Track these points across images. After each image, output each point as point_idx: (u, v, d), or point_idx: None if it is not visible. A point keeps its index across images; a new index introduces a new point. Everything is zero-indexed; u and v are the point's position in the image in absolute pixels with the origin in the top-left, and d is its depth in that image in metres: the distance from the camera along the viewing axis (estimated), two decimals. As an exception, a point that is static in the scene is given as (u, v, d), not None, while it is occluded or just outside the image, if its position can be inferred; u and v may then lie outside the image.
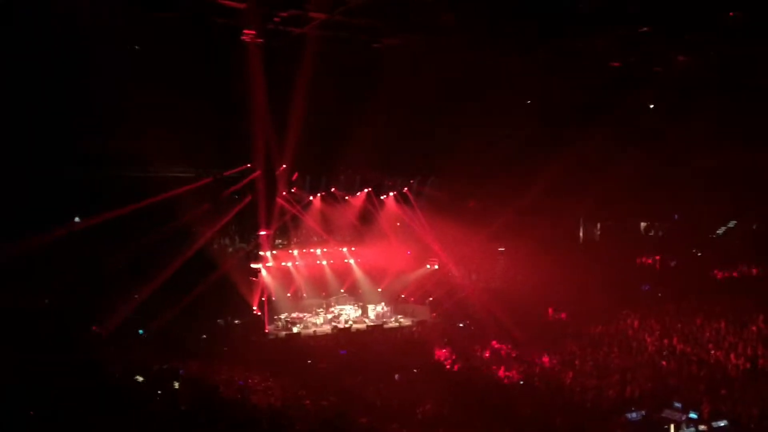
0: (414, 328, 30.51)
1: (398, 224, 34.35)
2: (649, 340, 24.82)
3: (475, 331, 28.96)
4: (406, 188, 34.10)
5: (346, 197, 32.98)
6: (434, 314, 32.25)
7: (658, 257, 36.77)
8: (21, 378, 15.05)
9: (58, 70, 20.92)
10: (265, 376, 21.96)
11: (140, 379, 18.67)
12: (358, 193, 33.26)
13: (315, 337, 28.86)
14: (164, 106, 22.06)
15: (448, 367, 24.46)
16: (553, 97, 27.60)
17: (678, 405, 17.84)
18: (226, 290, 27.83)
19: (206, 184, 27.94)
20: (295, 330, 29.48)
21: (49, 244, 23.15)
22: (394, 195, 33.80)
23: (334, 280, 32.92)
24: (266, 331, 29.20)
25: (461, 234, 33.21)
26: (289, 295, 31.63)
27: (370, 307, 32.36)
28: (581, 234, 39.80)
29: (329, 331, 29.72)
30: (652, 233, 40.16)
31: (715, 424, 16.74)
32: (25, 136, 21.84)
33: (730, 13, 19.80)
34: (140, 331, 25.47)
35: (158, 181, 26.24)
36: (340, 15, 20.06)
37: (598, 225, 40.23)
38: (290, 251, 32.00)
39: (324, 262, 32.61)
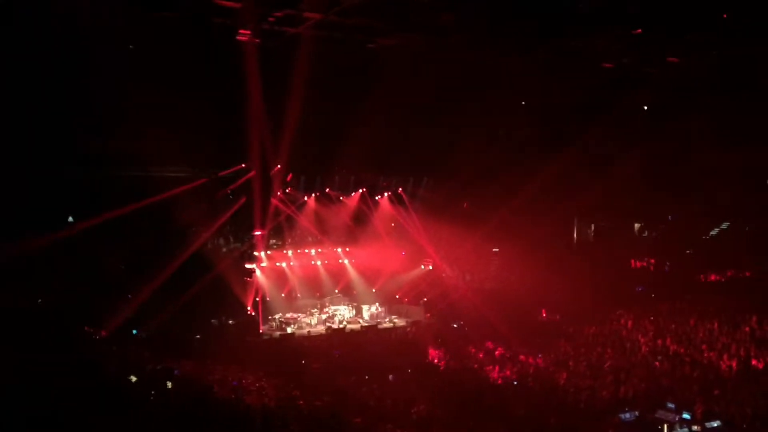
0: (408, 329, 30.49)
1: (393, 225, 34.34)
2: (642, 340, 24.89)
3: (469, 332, 28.96)
4: (400, 189, 34.11)
5: (341, 198, 32.96)
6: (428, 315, 32.24)
7: (653, 261, 36.87)
8: (21, 378, 15.00)
9: (54, 70, 20.88)
10: (259, 376, 21.92)
11: (134, 379, 18.62)
12: (353, 194, 33.24)
13: (309, 338, 28.81)
14: (158, 106, 22.04)
15: (442, 367, 24.50)
16: (549, 97, 27.69)
17: (671, 405, 17.86)
18: (220, 290, 27.75)
19: (201, 184, 27.85)
20: (289, 330, 29.43)
21: (45, 244, 23.06)
22: (389, 195, 33.80)
23: (329, 281, 32.88)
24: (260, 331, 29.14)
25: (455, 235, 33.26)
26: (283, 295, 31.58)
27: (365, 307, 32.32)
28: (575, 235, 39.87)
29: (323, 332, 29.67)
30: (645, 234, 40.28)
31: (708, 425, 16.76)
32: (20, 135, 21.77)
33: (724, 15, 19.95)
34: (134, 331, 25.39)
35: (153, 181, 26.17)
36: (334, 15, 20.10)
37: (592, 226, 40.31)
38: (285, 251, 31.96)
39: (318, 263, 32.59)
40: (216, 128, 25.83)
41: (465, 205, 35.31)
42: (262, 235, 30.00)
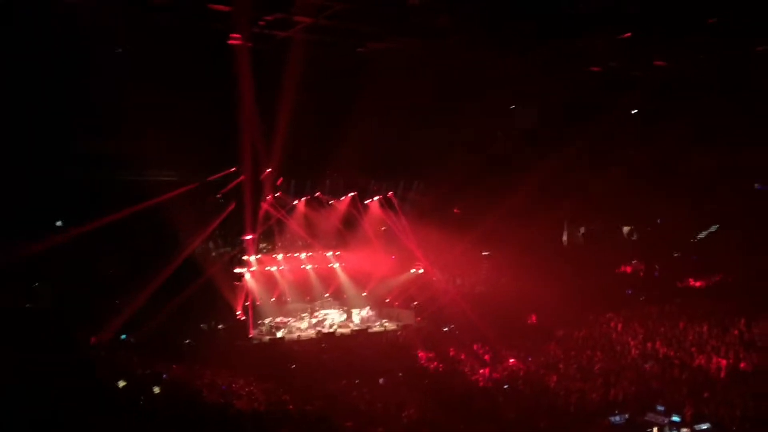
0: (399, 333, 30.45)
1: (383, 229, 34.31)
2: (632, 343, 24.95)
3: (459, 335, 28.95)
4: (390, 193, 34.09)
5: (331, 201, 32.91)
6: (419, 318, 32.21)
7: (642, 266, 36.99)
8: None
9: (43, 71, 20.77)
10: (248, 380, 21.85)
11: (122, 383, 18.48)
12: (343, 198, 33.19)
13: (299, 342, 28.72)
14: (148, 109, 21.97)
15: (432, 370, 24.49)
16: (541, 100, 27.80)
17: (661, 408, 17.96)
18: (210, 295, 27.62)
19: (191, 188, 27.73)
20: (279, 334, 29.30)
21: (32, 247, 22.90)
22: (379, 199, 33.78)
23: (319, 285, 32.77)
24: (250, 335, 29.03)
25: (446, 238, 33.25)
26: (273, 299, 31.45)
27: (355, 311, 32.25)
28: (565, 238, 39.96)
29: (314, 336, 29.58)
30: (635, 237, 40.42)
31: (697, 427, 16.85)
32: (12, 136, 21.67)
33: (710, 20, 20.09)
34: (123, 336, 25.24)
35: (142, 184, 26.07)
36: (325, 19, 20.10)
37: (582, 229, 40.42)
38: (275, 255, 31.87)
39: (309, 267, 32.52)
40: (206, 132, 25.71)
41: (456, 208, 35.33)
42: (252, 239, 29.90)
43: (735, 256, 33.45)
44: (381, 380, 22.55)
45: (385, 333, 30.60)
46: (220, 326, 28.61)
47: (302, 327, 30.43)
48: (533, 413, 18.55)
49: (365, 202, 33.51)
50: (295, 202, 31.82)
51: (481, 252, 35.88)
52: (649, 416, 17.58)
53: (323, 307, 32.31)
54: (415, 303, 32.98)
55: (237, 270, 29.73)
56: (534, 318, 30.98)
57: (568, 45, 23.34)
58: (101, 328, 24.04)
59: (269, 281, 31.26)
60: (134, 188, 25.73)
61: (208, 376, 21.73)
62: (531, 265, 32.65)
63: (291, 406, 18.75)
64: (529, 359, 24.64)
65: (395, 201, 34.04)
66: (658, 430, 16.91)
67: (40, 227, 24.16)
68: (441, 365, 25.04)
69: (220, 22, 20.47)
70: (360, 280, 33.13)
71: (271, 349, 27.69)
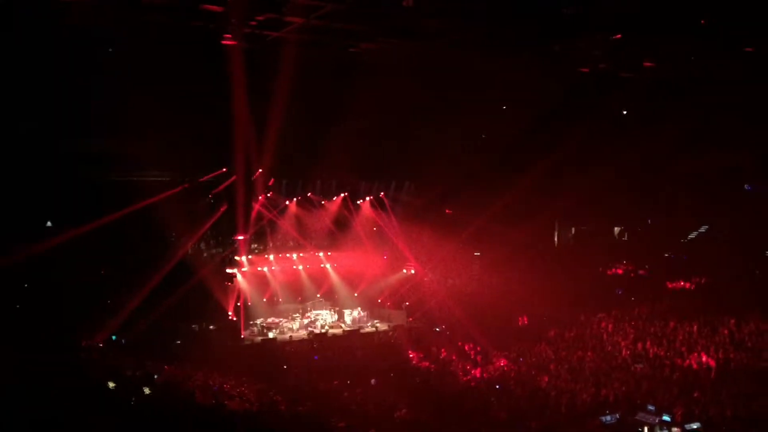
0: (390, 333, 30.50)
1: (374, 229, 34.33)
2: (623, 343, 25.02)
3: (451, 336, 29.00)
4: (382, 193, 34.10)
5: (323, 202, 32.90)
6: (411, 319, 32.26)
7: (632, 266, 37.12)
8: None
9: (37, 72, 20.68)
10: (240, 381, 21.81)
11: (112, 385, 18.41)
12: (334, 198, 33.19)
13: (291, 342, 28.70)
14: (138, 109, 21.90)
15: (424, 371, 24.51)
16: (530, 101, 27.84)
17: (652, 408, 18.01)
18: (201, 295, 27.54)
19: (183, 188, 27.66)
20: (270, 335, 29.28)
21: (21, 249, 22.76)
22: (370, 200, 33.79)
23: (310, 285, 32.76)
24: (242, 336, 28.99)
25: (437, 239, 33.30)
26: (265, 300, 31.43)
27: (347, 311, 32.27)
28: (556, 239, 40.08)
29: (305, 336, 29.57)
30: (625, 238, 40.58)
31: (688, 426, 16.92)
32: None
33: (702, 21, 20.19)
34: (113, 337, 25.14)
35: (133, 185, 25.99)
36: (316, 19, 20.09)
37: (572, 230, 40.56)
38: (266, 256, 31.84)
39: (300, 267, 32.51)
40: (197, 132, 25.65)
41: (447, 209, 35.36)
42: (243, 240, 29.85)
43: (724, 256, 33.63)
44: (373, 381, 22.55)
45: (376, 333, 30.64)
46: (211, 327, 28.55)
47: (294, 328, 30.42)
48: (524, 413, 18.57)
49: (357, 202, 33.52)
50: (287, 202, 31.81)
51: (473, 252, 35.93)
52: (640, 416, 17.63)
53: (315, 308, 32.34)
54: (407, 303, 33.01)
55: (228, 270, 29.67)
56: (525, 318, 31.04)
57: (558, 46, 23.42)
58: (92, 329, 23.94)
59: (261, 282, 31.22)
60: (125, 189, 25.66)
61: (200, 377, 21.67)
62: (522, 265, 32.75)
63: (283, 407, 18.73)
64: (520, 360, 24.71)
65: (387, 201, 34.07)
66: (649, 429, 16.98)
67: (29, 228, 24.03)
68: (432, 365, 25.09)
69: (213, 22, 20.44)
70: (351, 280, 33.14)
71: (263, 349, 27.68)
